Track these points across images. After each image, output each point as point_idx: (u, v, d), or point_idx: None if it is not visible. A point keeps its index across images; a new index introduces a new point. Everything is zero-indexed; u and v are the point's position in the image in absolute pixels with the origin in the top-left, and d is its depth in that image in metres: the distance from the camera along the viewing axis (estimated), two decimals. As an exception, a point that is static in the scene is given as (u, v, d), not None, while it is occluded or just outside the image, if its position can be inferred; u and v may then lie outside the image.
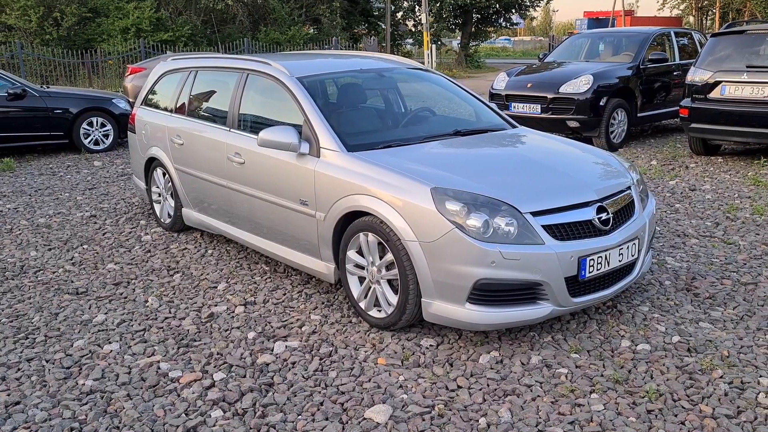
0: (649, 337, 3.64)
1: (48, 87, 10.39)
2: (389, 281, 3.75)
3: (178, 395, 3.21)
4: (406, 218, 3.51)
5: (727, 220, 5.83)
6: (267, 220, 4.54)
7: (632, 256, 3.78)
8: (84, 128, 9.98)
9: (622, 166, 4.18)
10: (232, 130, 4.81)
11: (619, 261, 3.69)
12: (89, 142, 10.03)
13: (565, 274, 3.44)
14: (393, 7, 31.45)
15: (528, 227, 3.41)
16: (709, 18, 57.05)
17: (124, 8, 23.67)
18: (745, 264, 4.74)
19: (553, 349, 3.54)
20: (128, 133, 6.44)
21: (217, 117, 5.06)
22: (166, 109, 5.74)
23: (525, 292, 3.43)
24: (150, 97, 6.09)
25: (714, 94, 7.94)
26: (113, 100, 10.32)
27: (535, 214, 3.45)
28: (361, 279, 3.92)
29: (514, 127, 4.82)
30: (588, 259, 3.50)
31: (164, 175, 5.75)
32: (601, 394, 3.09)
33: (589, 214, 3.59)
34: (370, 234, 3.73)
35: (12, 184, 8.00)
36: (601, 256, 3.56)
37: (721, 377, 3.20)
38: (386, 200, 3.61)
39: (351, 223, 3.86)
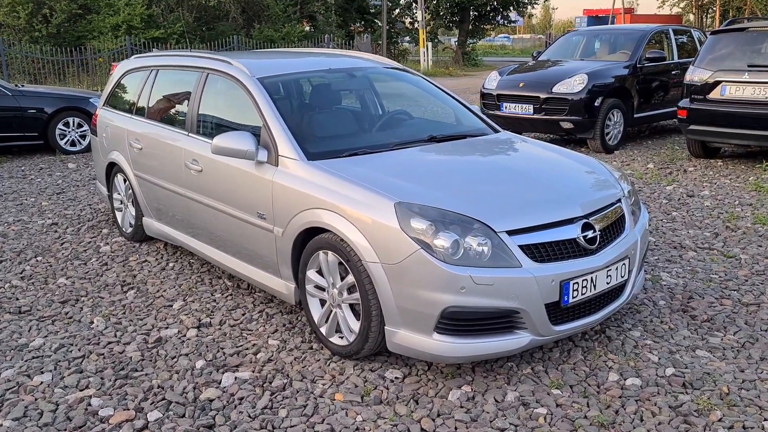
0: (639, 369, 3.26)
1: (23, 86, 10.00)
2: (351, 305, 3.37)
3: (106, 439, 2.83)
4: (367, 237, 3.13)
5: (727, 231, 5.44)
6: (226, 233, 4.16)
7: (622, 277, 3.39)
8: (60, 128, 9.60)
9: (612, 176, 3.79)
10: (190, 134, 4.43)
11: (607, 283, 3.30)
12: (65, 143, 9.65)
13: (546, 300, 3.05)
14: (390, 4, 31.04)
15: (503, 248, 3.03)
16: (709, 16, 56.64)
17: (114, 5, 23.25)
18: (747, 281, 4.36)
19: (532, 383, 3.16)
20: (91, 135, 6.06)
21: (176, 120, 4.68)
22: (126, 111, 5.36)
23: (500, 321, 3.05)
24: (112, 97, 5.70)
25: (714, 94, 7.56)
26: (90, 100, 9.90)
27: (511, 233, 3.07)
28: (323, 301, 3.54)
29: (496, 131, 4.43)
30: (571, 282, 3.12)
31: (125, 181, 5.37)
32: (583, 441, 2.72)
33: (573, 232, 3.21)
34: (330, 253, 3.35)
35: (-23, 188, 7.62)
36: (586, 279, 3.18)
37: (720, 420, 2.82)
38: (346, 216, 3.23)
39: (311, 239, 3.48)
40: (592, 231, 3.26)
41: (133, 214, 5.33)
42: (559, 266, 3.10)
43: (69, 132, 9.65)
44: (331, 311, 3.46)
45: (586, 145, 9.11)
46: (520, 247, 3.06)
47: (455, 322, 3.00)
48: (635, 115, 9.26)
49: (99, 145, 5.75)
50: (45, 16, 22.18)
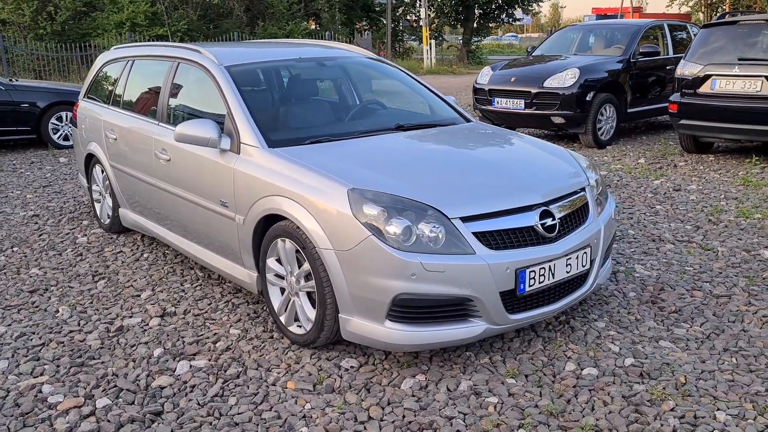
0: (598, 360, 3.21)
1: (16, 80, 10.03)
2: (308, 293, 3.33)
3: (51, 425, 2.81)
4: (321, 223, 3.10)
5: (709, 224, 5.37)
6: (192, 223, 4.14)
7: (583, 266, 3.34)
8: (53, 123, 9.61)
9: (578, 165, 3.74)
10: (160, 124, 4.42)
11: (567, 272, 3.25)
12: (58, 137, 9.66)
13: (501, 288, 3.01)
14: (394, 2, 30.98)
15: (456, 235, 2.98)
16: (718, 14, 56.20)
17: (119, 2, 23.31)
18: (721, 273, 4.29)
19: (487, 372, 3.12)
20: (72, 127, 6.06)
21: (147, 110, 4.66)
22: (103, 102, 5.35)
23: (453, 309, 3.00)
24: (91, 88, 5.70)
25: (704, 88, 7.47)
26: (83, 94, 9.91)
27: (465, 219, 3.02)
28: (283, 290, 3.51)
29: (468, 121, 4.39)
30: (528, 270, 3.07)
31: (102, 172, 5.36)
32: (529, 430, 2.67)
33: (531, 219, 3.16)
34: (287, 240, 3.32)
35: (-34, 181, 7.63)
36: (543, 268, 3.13)
37: (672, 410, 2.76)
38: (302, 203, 3.19)
39: (270, 227, 3.45)
40: (551, 219, 3.21)
41: (110, 205, 5.32)
42: (514, 254, 3.05)
43: (62, 126, 9.67)
44: (290, 300, 3.43)
45: (578, 140, 9.04)
46: (474, 234, 3.01)
47: (407, 310, 2.96)
48: (628, 110, 9.17)
49: (79, 137, 5.75)
50: (50, 14, 22.25)
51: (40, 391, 3.07)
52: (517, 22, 38.23)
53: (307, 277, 3.28)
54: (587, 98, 8.50)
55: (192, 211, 4.08)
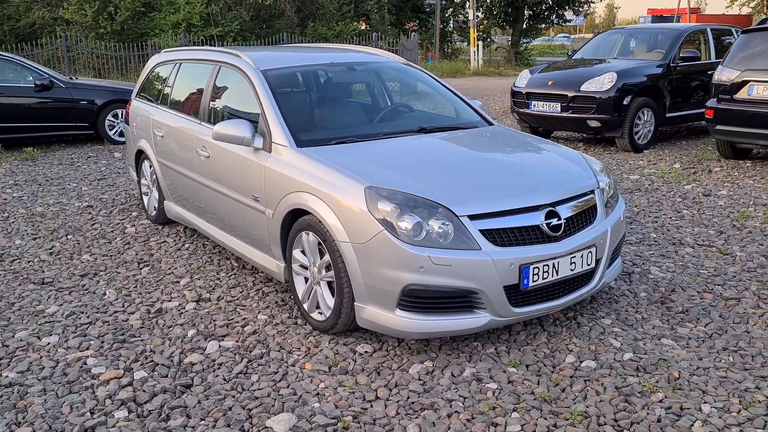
0: (599, 353, 3.38)
1: (76, 78, 10.61)
2: (328, 283, 3.60)
3: (93, 393, 3.14)
4: (340, 218, 3.36)
5: (733, 229, 5.44)
6: (227, 216, 4.46)
7: (588, 265, 3.52)
8: (109, 120, 10.15)
9: (589, 169, 3.91)
10: (202, 123, 4.75)
11: (572, 270, 3.43)
12: (113, 134, 10.19)
13: (505, 283, 3.22)
14: (444, 3, 31.11)
15: (464, 231, 3.21)
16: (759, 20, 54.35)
17: (175, 3, 24.11)
18: (735, 277, 4.39)
19: (491, 361, 3.33)
20: (124, 124, 6.47)
21: (191, 110, 5.01)
22: (152, 102, 5.73)
23: (459, 301, 3.23)
24: (142, 88, 6.09)
25: (741, 94, 7.47)
26: (138, 93, 10.44)
27: (473, 217, 3.24)
28: (306, 279, 3.79)
29: (489, 124, 4.59)
30: (532, 267, 3.27)
31: (150, 167, 5.74)
32: (522, 413, 2.87)
33: (536, 219, 3.36)
34: (311, 233, 3.60)
35: (28, 173, 8.17)
36: (547, 265, 3.32)
37: (660, 401, 2.93)
38: (324, 198, 3.46)
39: (296, 221, 3.73)
40: (557, 219, 3.40)
41: (157, 198, 5.70)
42: (518, 251, 3.26)
43: (117, 123, 10.19)
44: (312, 288, 3.70)
45: (614, 144, 9.10)
46: (481, 231, 3.23)
47: (416, 300, 3.19)
48: (668, 115, 9.18)
49: (130, 134, 6.16)
50: (110, 14, 23.18)
51: (85, 363, 3.42)
52: (569, 23, 37.84)
53: (328, 268, 3.54)
54: (624, 102, 8.56)
55: (228, 205, 4.40)
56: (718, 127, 7.70)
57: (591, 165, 3.97)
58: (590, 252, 3.51)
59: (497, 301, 3.23)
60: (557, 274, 3.37)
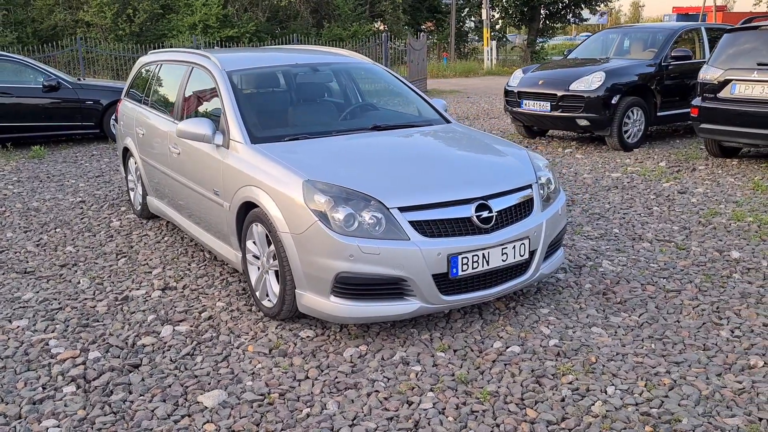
0: (526, 340, 3.54)
1: (83, 79, 10.97)
2: (275, 272, 3.81)
3: (49, 370, 3.39)
4: (282, 210, 3.57)
5: (698, 225, 5.54)
6: (195, 209, 4.70)
7: (521, 256, 3.68)
8: (113, 119, 10.47)
9: (530, 164, 4.06)
10: (175, 121, 4.99)
11: (503, 261, 3.60)
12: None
13: (433, 271, 3.40)
14: (460, 3, 31.20)
15: (394, 222, 3.39)
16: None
17: (192, 5, 24.56)
18: (682, 270, 4.51)
19: (422, 346, 3.51)
20: (115, 123, 6.75)
21: (166, 109, 5.25)
22: (137, 101, 6.00)
23: (390, 288, 3.41)
24: (130, 88, 6.37)
25: (724, 93, 7.53)
26: (142, 93, 10.77)
27: (403, 209, 3.43)
28: (259, 268, 4.00)
29: (447, 122, 4.77)
30: (460, 257, 3.44)
31: (134, 164, 6.01)
32: (437, 393, 3.05)
33: (467, 211, 3.53)
34: (259, 225, 3.81)
35: (32, 170, 8.51)
36: (477, 255, 3.49)
37: (569, 383, 3.09)
38: (269, 192, 3.68)
39: (248, 213, 3.95)
40: (488, 211, 3.57)
41: (141, 193, 5.96)
42: (447, 241, 3.43)
43: (122, 122, 10.52)
44: (263, 277, 3.92)
45: (604, 142, 9.18)
46: (411, 222, 3.41)
47: (348, 287, 3.39)
48: (658, 114, 9.24)
49: (119, 132, 6.44)
50: (129, 16, 23.71)
51: (47, 344, 3.67)
52: (587, 22, 37.66)
53: (274, 257, 3.75)
54: (612, 101, 8.65)
55: (195, 199, 4.63)
56: (703, 125, 7.77)
57: (533, 161, 4.12)
58: (523, 244, 3.67)
59: (426, 288, 3.41)
60: (488, 264, 3.54)
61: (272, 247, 3.72)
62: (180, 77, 5.14)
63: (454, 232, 3.48)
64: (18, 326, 3.92)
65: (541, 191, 3.94)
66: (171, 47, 22.14)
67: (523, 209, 3.78)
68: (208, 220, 4.52)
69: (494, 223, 3.59)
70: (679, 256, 4.80)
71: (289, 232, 3.51)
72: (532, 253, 3.76)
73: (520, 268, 3.74)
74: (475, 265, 3.50)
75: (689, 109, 9.40)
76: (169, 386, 3.20)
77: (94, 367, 3.40)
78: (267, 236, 3.77)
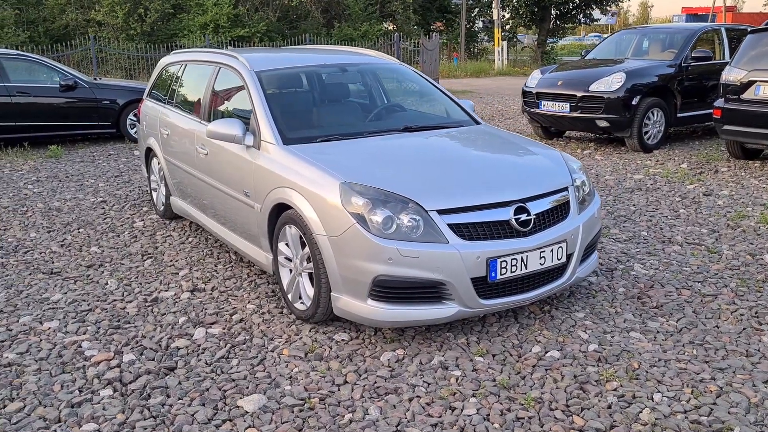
0: (565, 345, 3.50)
1: (99, 79, 10.98)
2: (309, 274, 3.77)
3: (84, 373, 3.36)
4: (318, 212, 3.53)
5: (727, 228, 5.48)
6: (223, 210, 4.67)
7: (558, 259, 3.63)
8: (130, 119, 10.47)
9: (565, 166, 4.02)
10: (202, 122, 4.96)
11: (541, 264, 3.56)
12: (134, 132, 10.50)
13: (472, 275, 3.36)
14: (470, 3, 31.13)
15: (432, 225, 3.35)
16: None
17: (204, 4, 24.57)
18: (717, 274, 4.46)
19: (460, 350, 3.47)
20: (137, 123, 6.73)
21: (193, 109, 5.23)
22: (160, 101, 5.98)
23: (428, 291, 3.37)
24: (153, 88, 6.35)
25: (747, 94, 7.46)
26: (158, 93, 10.75)
27: (441, 212, 3.39)
28: (291, 271, 3.97)
29: (477, 123, 4.73)
30: (499, 260, 3.40)
31: (158, 164, 5.98)
32: (480, 399, 3.01)
33: (506, 214, 3.49)
34: (293, 227, 3.77)
35: (51, 169, 8.51)
36: (515, 258, 3.45)
37: (614, 390, 3.04)
38: (303, 194, 3.64)
39: (281, 215, 3.91)
40: (526, 214, 3.53)
41: (164, 193, 5.94)
42: (486, 244, 3.39)
43: (138, 122, 10.51)
44: (296, 279, 3.88)
45: (622, 143, 9.12)
46: (450, 225, 3.37)
47: (386, 290, 3.35)
48: (679, 115, 9.17)
49: (141, 132, 6.42)
50: (140, 15, 23.73)
51: (80, 346, 3.64)
52: (597, 23, 37.54)
53: (308, 260, 3.72)
54: (633, 102, 8.59)
55: (223, 200, 4.60)
56: (726, 127, 7.70)
57: (568, 163, 4.08)
58: (560, 247, 3.62)
59: (465, 292, 3.36)
60: (526, 268, 3.50)
61: (306, 249, 3.69)
62: (206, 77, 5.11)
63: (492, 235, 3.44)
64: (49, 328, 3.90)
65: (577, 194, 3.89)
66: (182, 47, 22.23)
67: (560, 212, 3.74)
68: (236, 222, 4.49)
69: (532, 226, 3.54)
70: (711, 259, 4.74)
71: (325, 235, 3.47)
72: (569, 257, 3.71)
73: (556, 271, 3.69)
74: (514, 268, 3.46)
75: (709, 111, 9.38)
76: (207, 390, 3.17)
77: (129, 369, 3.37)
78: (301, 238, 3.74)
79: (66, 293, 4.43)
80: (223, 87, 4.93)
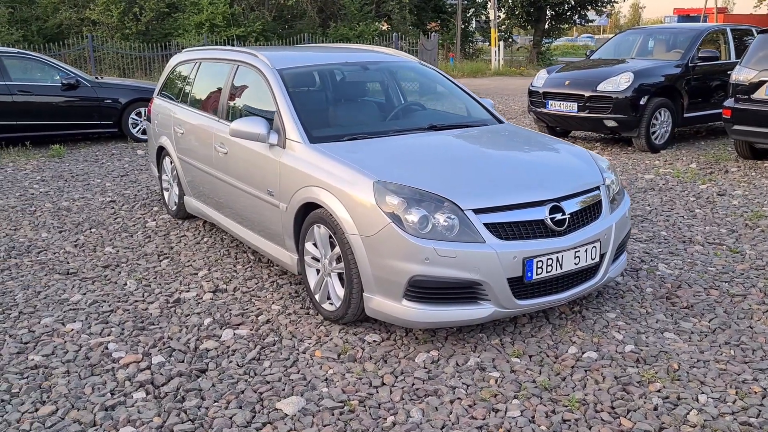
0: (601, 345, 3.46)
1: (101, 78, 10.87)
2: (339, 274, 3.72)
3: (113, 375, 3.29)
4: (350, 211, 3.48)
5: (746, 228, 5.47)
6: (243, 209, 4.61)
7: (592, 259, 3.60)
8: (132, 118, 10.38)
9: (595, 166, 3.98)
10: (220, 120, 4.90)
11: (575, 264, 3.52)
12: (137, 132, 10.42)
13: (508, 275, 3.31)
14: (465, 3, 31.14)
15: (469, 225, 3.31)
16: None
17: (199, 3, 24.44)
18: (743, 274, 4.44)
19: (495, 352, 3.43)
20: (146, 122, 6.65)
21: (209, 108, 5.16)
22: (173, 100, 5.90)
23: (464, 292, 3.33)
24: (164, 87, 6.27)
25: (758, 94, 7.46)
26: (161, 92, 10.66)
27: (477, 211, 3.34)
28: (318, 271, 3.92)
29: (499, 122, 4.69)
30: (535, 260, 3.36)
31: (171, 163, 5.91)
32: (523, 401, 2.97)
33: (541, 213, 3.45)
34: (322, 226, 3.72)
35: (55, 169, 8.41)
36: (551, 258, 3.41)
37: (658, 391, 3.01)
38: (334, 193, 3.59)
39: (308, 214, 3.86)
40: (561, 214, 3.49)
41: (177, 193, 5.86)
42: (522, 244, 3.35)
43: (141, 121, 10.42)
44: (324, 280, 3.83)
45: (629, 143, 9.12)
46: (486, 224, 3.33)
47: (421, 290, 3.30)
48: (685, 115, 9.18)
49: (152, 131, 6.34)
50: (135, 14, 23.57)
51: (107, 348, 3.57)
52: (592, 23, 37.65)
53: (338, 260, 3.66)
54: (641, 102, 8.58)
55: (244, 200, 4.54)
56: (736, 127, 7.70)
57: (597, 162, 4.05)
58: (594, 247, 3.59)
59: (501, 292, 3.32)
60: (561, 268, 3.46)
61: (336, 249, 3.64)
62: (224, 76, 5.05)
63: (527, 234, 3.40)
64: (72, 329, 3.82)
65: (608, 193, 3.86)
66: (177, 46, 22.09)
67: (593, 212, 3.70)
68: (259, 222, 4.43)
69: (567, 225, 3.51)
70: (735, 259, 4.73)
71: (358, 234, 3.42)
72: (601, 257, 3.68)
73: (590, 271, 3.66)
74: (549, 268, 3.42)
75: (716, 111, 9.42)
76: (242, 392, 3.11)
77: (160, 372, 3.30)
78: (330, 238, 3.68)
79: (85, 294, 4.36)
80: (242, 85, 4.87)
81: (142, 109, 10.36)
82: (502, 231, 3.36)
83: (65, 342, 3.67)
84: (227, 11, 24.23)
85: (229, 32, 23.65)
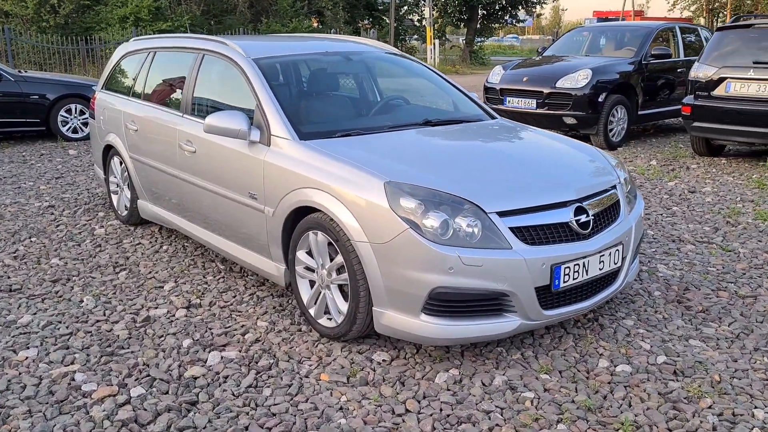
0: (631, 357, 3.21)
1: (26, 72, 10.00)
2: (340, 286, 3.33)
3: (87, 413, 2.80)
4: (356, 216, 3.09)
5: (728, 225, 5.38)
6: (217, 215, 4.13)
7: (615, 263, 3.34)
8: (62, 115, 9.58)
9: (608, 163, 3.74)
10: (185, 115, 4.40)
11: (600, 269, 3.25)
12: (67, 130, 9.63)
13: (536, 284, 3.01)
14: (398, 1, 30.98)
15: (493, 229, 2.98)
16: (719, 20, 56.41)
17: (123, -4, 23.26)
18: (744, 274, 4.30)
19: (520, 368, 3.12)
20: (89, 119, 6.03)
21: (171, 102, 4.65)
22: (123, 93, 5.33)
23: (489, 304, 3.00)
24: (110, 80, 5.68)
25: (718, 91, 7.49)
26: (93, 87, 9.85)
27: (502, 214, 3.02)
28: (312, 283, 3.51)
29: (492, 118, 4.39)
30: (563, 266, 3.07)
31: (121, 164, 5.34)
32: (569, 425, 2.67)
33: (566, 215, 3.16)
34: (319, 233, 3.31)
35: (-23, 171, 7.60)
36: (578, 264, 3.13)
37: (709, 407, 2.77)
38: (336, 195, 3.19)
39: (301, 219, 3.44)
40: (585, 215, 3.21)
41: (129, 197, 5.30)
42: (550, 249, 3.05)
43: (71, 119, 9.64)
44: (320, 293, 3.42)
45: (589, 141, 9.04)
46: (511, 229, 3.01)
47: (443, 304, 2.95)
48: (639, 112, 9.19)
49: (96, 128, 5.73)
50: (53, 7, 22.17)
51: (73, 379, 3.06)
52: (519, 24, 38.25)
53: (339, 270, 3.27)
54: (599, 99, 8.51)
55: (217, 203, 4.07)
56: (696, 123, 7.71)
57: (608, 159, 3.81)
58: (618, 249, 3.34)
59: (528, 303, 3.01)
60: (587, 274, 3.19)
61: (337, 258, 3.24)
62: (186, 67, 4.54)
63: (554, 238, 3.10)
64: (27, 357, 3.28)
65: (624, 192, 3.62)
66: (101, 41, 20.90)
67: (613, 212, 3.45)
68: (236, 228, 3.97)
69: (591, 228, 3.23)
70: (731, 258, 4.60)
71: (367, 242, 3.04)
72: (623, 260, 3.43)
73: (611, 276, 3.40)
74: (576, 275, 3.14)
75: (669, 108, 9.50)
76: (246, 428, 2.68)
77: (144, 407, 2.83)
78: (329, 246, 3.29)
79: (36, 314, 3.80)
80: (209, 77, 4.38)
81: (73, 106, 9.58)
82: (528, 235, 3.05)
83: (20, 374, 3.12)
84: (153, 4, 23.13)
85: (155, 26, 22.56)
